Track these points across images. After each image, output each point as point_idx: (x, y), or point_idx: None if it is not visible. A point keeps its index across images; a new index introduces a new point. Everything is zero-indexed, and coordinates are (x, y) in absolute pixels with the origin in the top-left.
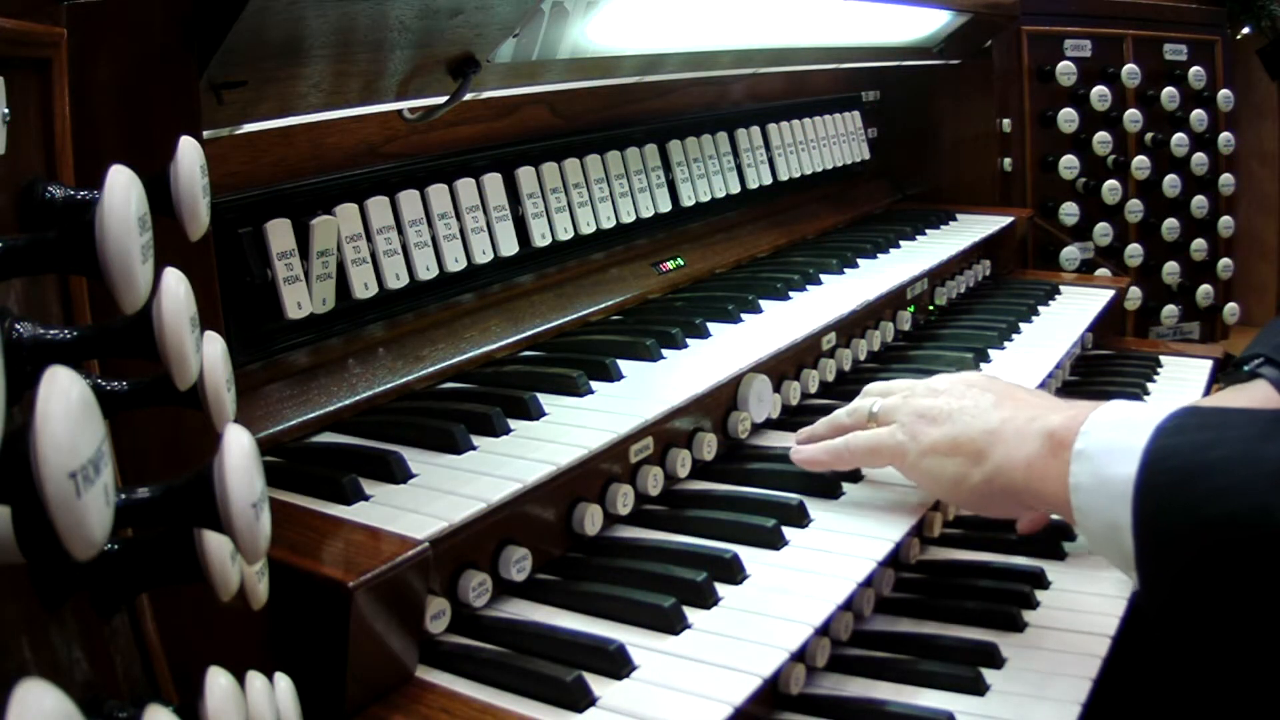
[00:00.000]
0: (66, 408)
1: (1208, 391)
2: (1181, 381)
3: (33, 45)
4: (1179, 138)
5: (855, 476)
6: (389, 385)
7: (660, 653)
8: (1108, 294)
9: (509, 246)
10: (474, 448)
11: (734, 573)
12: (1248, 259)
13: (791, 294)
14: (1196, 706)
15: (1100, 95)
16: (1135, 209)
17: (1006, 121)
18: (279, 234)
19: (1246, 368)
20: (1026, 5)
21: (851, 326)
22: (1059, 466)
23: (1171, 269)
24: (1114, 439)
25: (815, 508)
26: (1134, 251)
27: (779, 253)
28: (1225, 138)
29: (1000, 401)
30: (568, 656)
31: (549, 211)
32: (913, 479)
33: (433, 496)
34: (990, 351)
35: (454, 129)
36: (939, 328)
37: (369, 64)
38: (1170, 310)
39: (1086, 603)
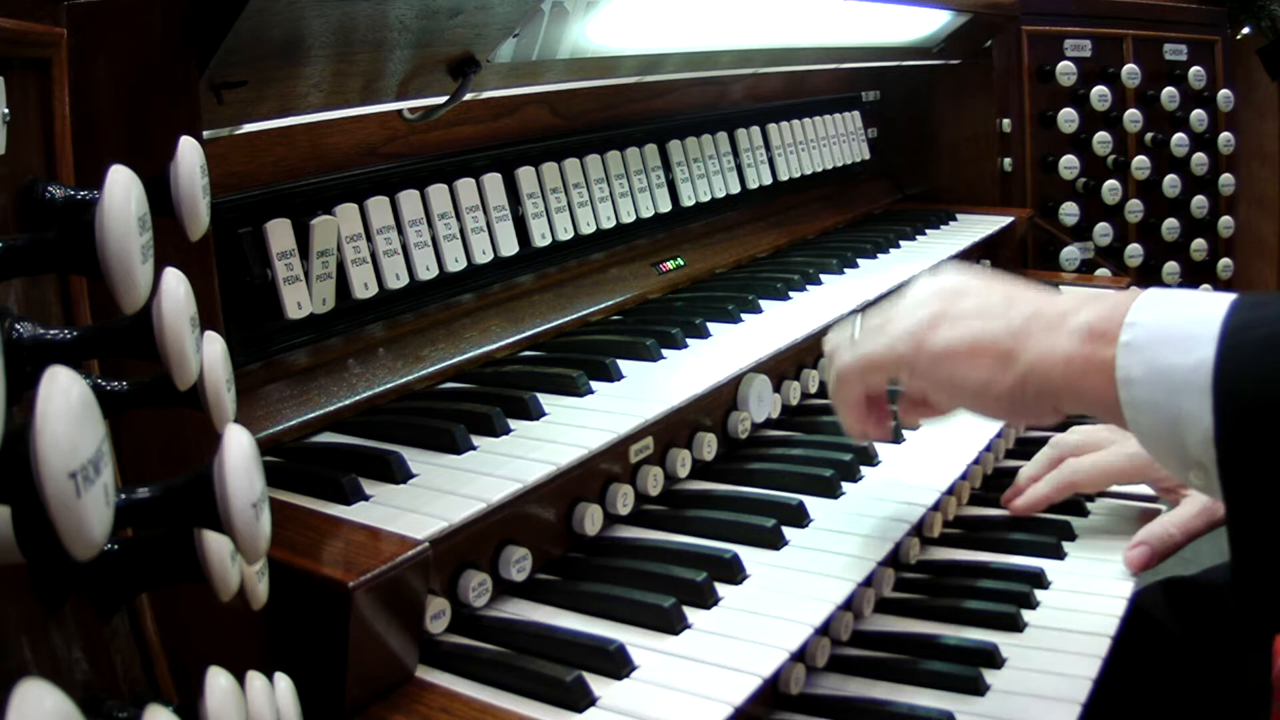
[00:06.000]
0: (66, 408)
1: None
2: None
3: (33, 45)
4: (1179, 138)
5: (855, 476)
6: (389, 385)
7: (660, 653)
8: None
9: (509, 246)
10: (474, 448)
11: (734, 573)
12: (1248, 259)
13: (791, 294)
14: (1197, 707)
15: (1100, 95)
16: (1135, 209)
17: (1006, 121)
18: (279, 234)
19: None
20: (1026, 5)
21: None
22: (1102, 362)
23: (1171, 269)
24: (1169, 326)
25: (815, 508)
26: (1134, 251)
27: (779, 253)
28: (1225, 138)
29: (1012, 300)
30: (568, 656)
31: (549, 211)
32: (924, 389)
33: (433, 496)
34: None
35: (454, 129)
36: None
37: (369, 64)
38: None
39: (1086, 603)
